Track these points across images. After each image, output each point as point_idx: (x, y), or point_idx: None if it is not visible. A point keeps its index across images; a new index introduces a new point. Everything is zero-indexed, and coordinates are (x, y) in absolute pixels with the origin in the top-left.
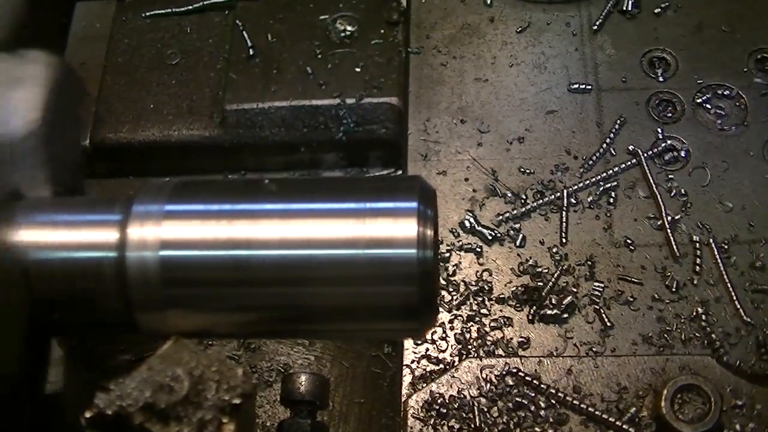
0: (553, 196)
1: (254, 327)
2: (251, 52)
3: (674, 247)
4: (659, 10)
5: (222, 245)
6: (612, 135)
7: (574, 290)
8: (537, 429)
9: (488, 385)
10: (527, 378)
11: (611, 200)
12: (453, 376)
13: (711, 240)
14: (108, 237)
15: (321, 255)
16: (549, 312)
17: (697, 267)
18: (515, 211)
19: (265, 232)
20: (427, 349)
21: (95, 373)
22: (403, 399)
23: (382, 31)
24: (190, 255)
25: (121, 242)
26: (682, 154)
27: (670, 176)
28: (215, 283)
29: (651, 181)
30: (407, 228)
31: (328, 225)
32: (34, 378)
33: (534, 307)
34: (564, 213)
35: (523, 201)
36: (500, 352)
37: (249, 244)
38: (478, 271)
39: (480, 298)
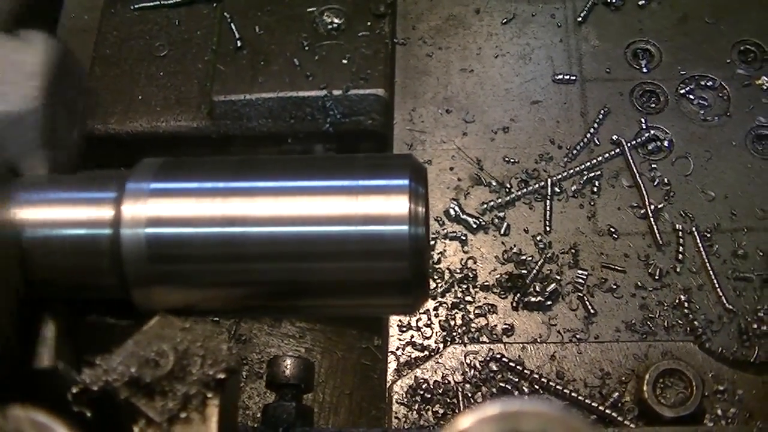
0: (537, 185)
1: (245, 302)
2: (239, 43)
3: (657, 235)
4: (643, 2)
5: (215, 222)
6: (596, 125)
7: (558, 278)
8: None
9: (472, 370)
10: (511, 364)
11: (595, 189)
12: (437, 362)
13: (694, 228)
14: (103, 214)
15: (314, 231)
16: (533, 299)
17: (680, 255)
18: (500, 200)
19: (259, 209)
20: (412, 336)
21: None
22: (388, 385)
23: (369, 23)
24: (179, 232)
25: (116, 219)
26: (666, 143)
27: (653, 166)
28: (207, 259)
29: (634, 170)
30: (399, 205)
31: (322, 202)
32: (25, 353)
33: (518, 295)
34: (548, 202)
35: (507, 190)
36: (484, 338)
37: (243, 221)
38: (462, 259)
39: (464, 286)
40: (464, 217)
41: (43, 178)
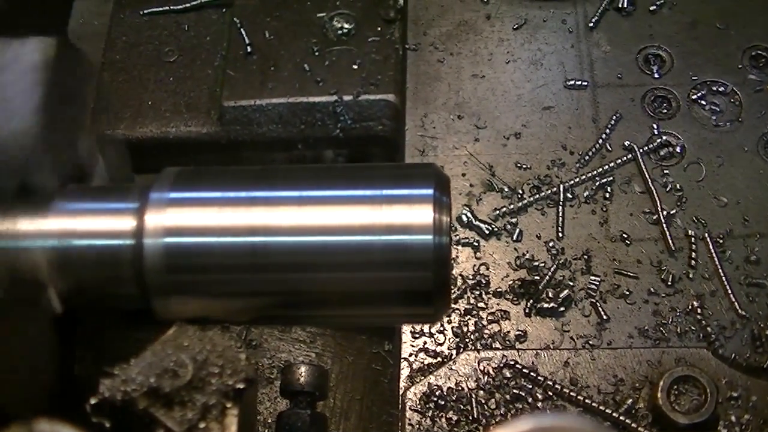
0: (549, 191)
1: (266, 312)
2: (249, 49)
3: (670, 241)
4: (654, 7)
5: (237, 231)
6: (608, 131)
7: (571, 284)
8: None
9: (486, 377)
10: (524, 370)
11: (607, 195)
12: (451, 369)
13: (706, 234)
14: (126, 224)
15: (338, 241)
16: (546, 305)
17: (693, 261)
18: (512, 206)
19: (282, 219)
20: (425, 343)
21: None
22: (401, 392)
23: (379, 28)
24: (199, 242)
25: (138, 229)
26: (678, 149)
27: (665, 171)
28: (229, 268)
29: (646, 176)
30: (424, 214)
31: (345, 211)
32: (65, 360)
33: (531, 301)
34: (560, 208)
35: (519, 196)
36: (497, 345)
37: (266, 231)
38: (475, 265)
39: (477, 292)
40: (477, 223)
41: (67, 189)
